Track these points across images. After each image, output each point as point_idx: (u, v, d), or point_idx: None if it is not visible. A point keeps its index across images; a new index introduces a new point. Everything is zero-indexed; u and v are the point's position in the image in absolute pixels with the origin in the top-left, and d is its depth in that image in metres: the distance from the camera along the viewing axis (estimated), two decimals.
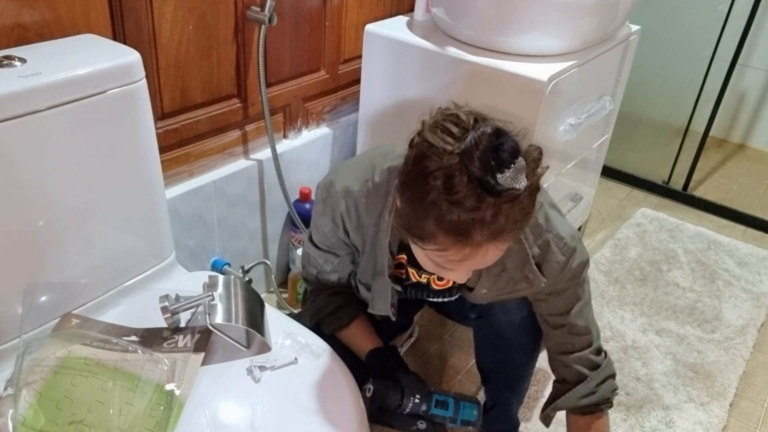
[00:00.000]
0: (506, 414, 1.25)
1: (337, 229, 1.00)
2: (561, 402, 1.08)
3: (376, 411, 0.98)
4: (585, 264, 1.00)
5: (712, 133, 2.30)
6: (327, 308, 1.08)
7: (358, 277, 1.07)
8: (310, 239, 1.07)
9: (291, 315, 1.16)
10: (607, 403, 1.07)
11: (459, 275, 0.82)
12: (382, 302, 1.04)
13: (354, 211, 0.97)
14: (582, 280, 1.02)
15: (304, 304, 1.15)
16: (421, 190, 0.72)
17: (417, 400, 0.98)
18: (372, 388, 0.98)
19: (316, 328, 1.05)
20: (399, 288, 1.04)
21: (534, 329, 1.09)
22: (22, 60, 0.87)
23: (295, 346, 0.96)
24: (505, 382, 1.19)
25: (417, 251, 0.82)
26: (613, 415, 1.43)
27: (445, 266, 0.79)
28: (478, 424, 1.02)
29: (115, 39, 1.09)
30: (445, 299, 1.11)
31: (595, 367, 1.06)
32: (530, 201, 0.73)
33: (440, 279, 1.05)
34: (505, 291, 0.99)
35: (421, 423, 0.99)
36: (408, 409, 0.98)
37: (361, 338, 1.07)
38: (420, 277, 1.06)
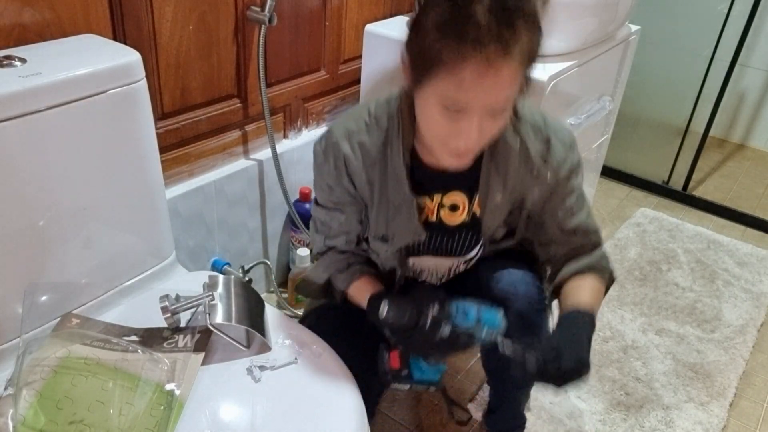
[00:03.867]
0: (514, 412, 1.26)
1: (340, 176, 0.97)
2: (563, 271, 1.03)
3: (399, 334, 0.91)
4: (581, 163, 1.01)
5: (712, 133, 2.30)
6: (339, 263, 1.06)
7: (371, 233, 1.04)
8: (315, 202, 1.05)
9: (300, 283, 1.13)
10: (608, 271, 1.03)
11: (471, 128, 0.80)
12: (406, 232, 1.00)
13: (357, 150, 0.95)
14: (581, 172, 1.01)
15: (314, 265, 1.12)
16: (435, 16, 0.76)
17: (435, 312, 0.88)
18: (386, 308, 0.91)
19: (327, 289, 1.06)
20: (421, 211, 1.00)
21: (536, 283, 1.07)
22: (22, 60, 0.87)
23: (295, 346, 0.96)
24: (513, 381, 1.17)
25: (427, 111, 0.82)
26: (613, 415, 1.44)
27: (457, 109, 0.78)
28: (501, 331, 0.91)
29: (115, 39, 1.09)
30: (459, 251, 1.06)
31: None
32: (537, 30, 0.78)
33: (453, 209, 1.01)
34: (517, 193, 0.99)
35: (446, 325, 0.89)
36: (428, 324, 0.88)
37: (374, 286, 1.04)
38: (434, 213, 1.02)
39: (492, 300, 0.98)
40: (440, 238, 1.06)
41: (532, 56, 0.80)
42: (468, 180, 0.98)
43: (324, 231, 1.06)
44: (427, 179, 0.97)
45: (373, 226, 1.03)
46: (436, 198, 1.00)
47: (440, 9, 0.76)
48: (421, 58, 0.79)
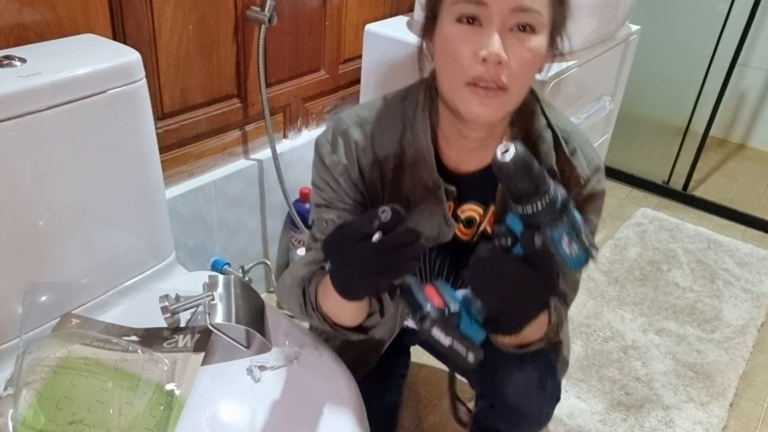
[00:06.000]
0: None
1: (350, 166, 0.85)
2: None
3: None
4: (604, 193, 0.89)
5: (712, 133, 2.30)
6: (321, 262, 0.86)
7: None
8: (315, 204, 0.90)
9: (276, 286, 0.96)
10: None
11: (491, 33, 0.69)
12: (428, 227, 0.86)
13: (370, 138, 0.85)
14: (600, 206, 0.90)
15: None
16: None
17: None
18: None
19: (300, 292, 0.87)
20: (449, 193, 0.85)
21: (548, 390, 0.95)
22: (22, 60, 0.87)
23: (295, 346, 0.96)
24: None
25: (444, 41, 0.73)
26: (613, 414, 1.44)
27: (473, 15, 0.70)
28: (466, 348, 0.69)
29: (115, 39, 1.09)
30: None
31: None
32: None
33: (469, 223, 0.89)
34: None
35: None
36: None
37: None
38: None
39: (499, 408, 0.90)
40: (450, 256, 0.93)
41: None
42: (485, 188, 0.86)
43: (323, 228, 0.89)
44: (444, 180, 0.85)
45: None
46: (450, 206, 0.87)
47: None
48: None
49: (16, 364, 0.85)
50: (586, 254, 0.66)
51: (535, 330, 0.82)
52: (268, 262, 1.61)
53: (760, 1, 2.04)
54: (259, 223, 1.57)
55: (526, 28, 0.71)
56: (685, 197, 2.35)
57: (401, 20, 1.56)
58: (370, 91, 1.56)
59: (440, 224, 0.86)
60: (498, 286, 0.67)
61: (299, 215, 1.55)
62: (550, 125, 0.85)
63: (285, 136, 1.56)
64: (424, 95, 0.83)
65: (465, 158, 0.85)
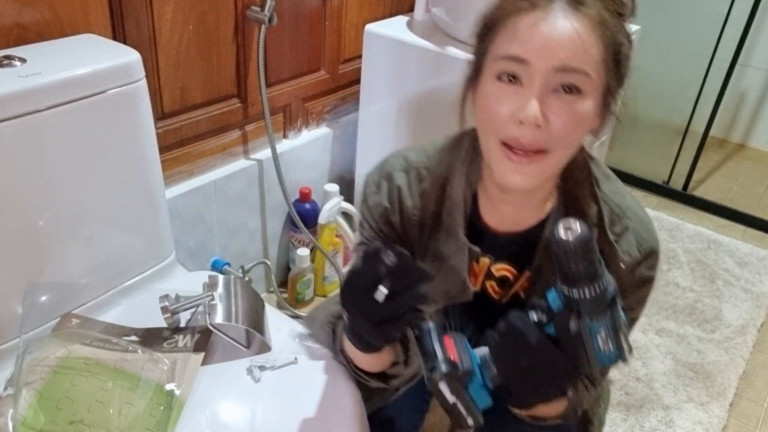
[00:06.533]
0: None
1: (392, 210, 0.83)
2: None
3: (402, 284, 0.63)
4: (653, 280, 0.82)
5: (712, 133, 2.30)
6: None
7: None
8: (358, 242, 0.89)
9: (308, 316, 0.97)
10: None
11: (531, 92, 0.65)
12: (450, 286, 0.83)
13: (414, 185, 0.82)
14: (645, 298, 0.84)
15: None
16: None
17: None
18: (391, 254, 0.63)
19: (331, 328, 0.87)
20: (475, 248, 0.81)
21: None
22: (22, 60, 0.87)
23: (295, 346, 0.96)
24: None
25: (483, 96, 0.70)
26: (613, 414, 1.43)
27: (514, 74, 0.66)
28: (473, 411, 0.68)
29: (115, 39, 1.09)
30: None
31: None
32: (618, 16, 0.67)
33: (503, 283, 0.85)
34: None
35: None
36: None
37: None
38: (478, 281, 0.86)
39: None
40: (477, 312, 0.89)
41: (615, 44, 0.67)
42: (522, 251, 0.81)
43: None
44: (479, 237, 0.81)
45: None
46: (484, 263, 0.83)
47: None
48: (479, 37, 0.71)
49: (16, 364, 0.85)
50: (619, 355, 0.63)
51: (549, 408, 0.78)
52: (268, 262, 1.61)
53: (760, 1, 2.04)
54: (259, 223, 1.57)
55: (572, 90, 0.66)
56: (685, 197, 2.35)
57: (401, 20, 1.56)
58: (370, 91, 1.56)
59: (462, 284, 0.82)
60: (519, 359, 0.64)
61: (299, 215, 1.55)
62: (599, 199, 0.78)
63: (285, 136, 1.56)
64: (467, 147, 0.80)
65: (504, 217, 0.81)
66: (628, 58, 0.70)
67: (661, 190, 2.39)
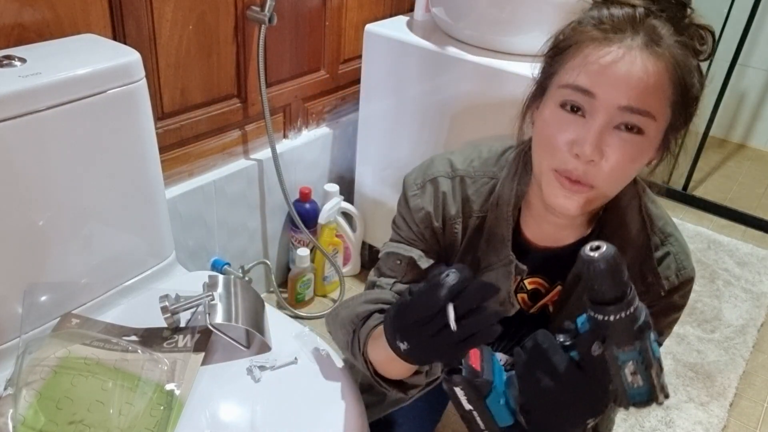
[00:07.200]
0: None
1: (434, 214, 0.82)
2: None
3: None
4: (683, 308, 0.84)
5: (712, 133, 2.30)
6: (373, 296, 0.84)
7: None
8: (391, 240, 0.88)
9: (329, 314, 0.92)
10: None
11: (591, 126, 0.64)
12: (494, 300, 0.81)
13: (458, 192, 0.81)
14: (673, 323, 0.85)
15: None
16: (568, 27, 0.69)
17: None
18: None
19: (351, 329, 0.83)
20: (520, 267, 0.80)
21: None
22: (22, 60, 0.87)
23: (295, 346, 0.96)
24: None
25: (543, 120, 0.70)
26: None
27: (577, 105, 0.65)
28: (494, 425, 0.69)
29: (115, 39, 1.09)
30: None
31: None
32: (691, 54, 0.67)
33: (534, 296, 0.86)
34: None
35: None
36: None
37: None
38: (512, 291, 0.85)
39: None
40: (506, 324, 0.87)
41: (686, 85, 0.65)
42: (558, 267, 0.82)
43: (385, 269, 0.86)
44: (517, 250, 0.81)
45: None
46: (516, 278, 0.83)
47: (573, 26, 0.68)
48: (548, 58, 0.70)
49: (16, 364, 0.85)
50: (650, 394, 0.59)
51: None
52: (268, 262, 1.61)
53: (760, 1, 2.04)
54: (259, 223, 1.57)
55: (633, 129, 0.65)
56: (685, 197, 2.35)
57: (401, 20, 1.56)
58: (370, 91, 1.56)
59: (503, 299, 0.82)
60: (541, 379, 0.62)
61: (299, 215, 1.55)
62: (646, 225, 0.80)
63: (285, 136, 1.56)
64: (517, 161, 0.80)
65: (545, 234, 0.81)
66: (698, 100, 0.68)
67: (661, 189, 2.38)
